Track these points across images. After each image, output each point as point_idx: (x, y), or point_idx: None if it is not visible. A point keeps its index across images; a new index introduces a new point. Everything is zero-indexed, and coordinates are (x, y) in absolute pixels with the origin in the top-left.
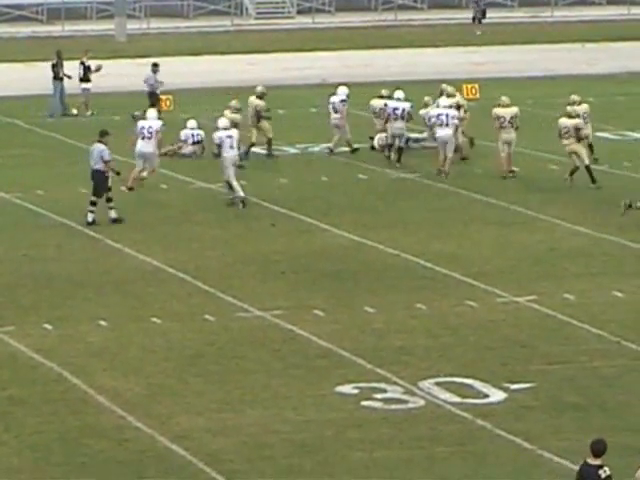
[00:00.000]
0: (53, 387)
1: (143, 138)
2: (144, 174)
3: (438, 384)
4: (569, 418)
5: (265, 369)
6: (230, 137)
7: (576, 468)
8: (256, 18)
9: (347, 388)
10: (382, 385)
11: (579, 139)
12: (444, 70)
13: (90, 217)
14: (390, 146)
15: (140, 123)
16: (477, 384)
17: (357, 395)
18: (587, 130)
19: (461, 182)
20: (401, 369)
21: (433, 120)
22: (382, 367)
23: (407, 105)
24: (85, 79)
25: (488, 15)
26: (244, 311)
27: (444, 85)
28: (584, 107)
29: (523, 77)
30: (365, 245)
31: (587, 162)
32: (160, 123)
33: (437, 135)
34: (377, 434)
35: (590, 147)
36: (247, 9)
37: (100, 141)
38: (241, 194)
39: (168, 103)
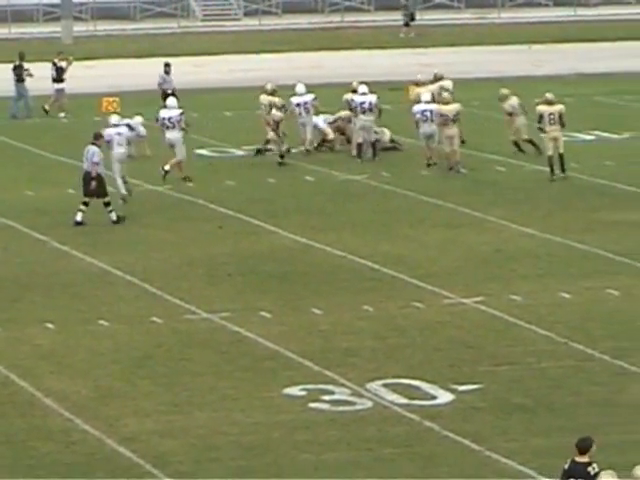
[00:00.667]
0: (0, 390)
1: (167, 128)
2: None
3: (385, 386)
4: (517, 419)
5: (213, 371)
6: (119, 134)
7: (523, 469)
8: (203, 20)
9: (295, 390)
10: (329, 387)
11: (563, 125)
12: (392, 72)
13: (79, 216)
14: (360, 145)
15: (161, 113)
16: (424, 385)
17: (305, 397)
18: (522, 121)
19: (408, 183)
20: (348, 371)
21: (418, 116)
22: (329, 369)
23: (373, 98)
24: (58, 80)
25: (436, 17)
26: (191, 313)
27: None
28: (514, 100)
29: (470, 78)
30: (312, 247)
31: (562, 150)
32: (179, 112)
33: (422, 130)
34: (325, 436)
35: (532, 142)
36: (194, 11)
37: (94, 143)
38: (123, 192)
39: (115, 105)
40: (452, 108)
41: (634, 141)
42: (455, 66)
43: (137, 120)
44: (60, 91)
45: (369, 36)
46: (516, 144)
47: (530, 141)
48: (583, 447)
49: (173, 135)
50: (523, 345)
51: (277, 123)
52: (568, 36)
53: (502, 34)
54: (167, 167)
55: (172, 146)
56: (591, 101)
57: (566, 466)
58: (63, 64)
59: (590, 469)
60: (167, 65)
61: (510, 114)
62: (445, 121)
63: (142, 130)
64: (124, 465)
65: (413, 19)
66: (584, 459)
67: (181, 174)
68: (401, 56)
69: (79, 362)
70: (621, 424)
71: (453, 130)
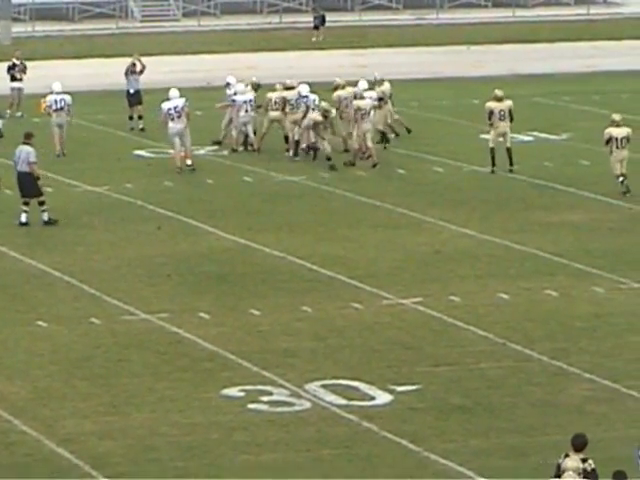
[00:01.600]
0: None
1: (173, 119)
2: (188, 162)
3: (324, 386)
4: (455, 420)
5: (151, 372)
6: None
7: (461, 470)
8: (141, 21)
9: (233, 391)
10: (268, 388)
11: (512, 120)
12: (329, 72)
13: (24, 217)
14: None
15: (165, 105)
16: (363, 386)
17: (243, 398)
18: (389, 107)
19: (346, 184)
20: (287, 371)
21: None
22: (268, 370)
23: (317, 97)
24: (13, 78)
25: (374, 17)
26: (130, 314)
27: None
28: (386, 86)
29: (408, 79)
30: (251, 248)
31: (509, 144)
32: (184, 100)
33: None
34: (263, 437)
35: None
36: (132, 12)
37: (27, 143)
38: None
39: None
40: (367, 103)
41: (572, 142)
42: (393, 67)
43: (57, 86)
44: (14, 90)
45: (307, 37)
46: (392, 129)
47: (390, 127)
48: (579, 444)
49: (179, 125)
50: (462, 346)
51: (318, 124)
52: (506, 37)
53: (440, 35)
54: (189, 162)
55: (180, 137)
56: (530, 102)
57: (560, 461)
58: (17, 61)
59: (586, 465)
60: (133, 65)
61: (380, 99)
62: (362, 116)
63: (68, 98)
64: (63, 466)
65: (324, 23)
66: (578, 456)
67: (186, 163)
68: (339, 57)
69: (17, 363)
70: (559, 424)
71: (367, 125)
